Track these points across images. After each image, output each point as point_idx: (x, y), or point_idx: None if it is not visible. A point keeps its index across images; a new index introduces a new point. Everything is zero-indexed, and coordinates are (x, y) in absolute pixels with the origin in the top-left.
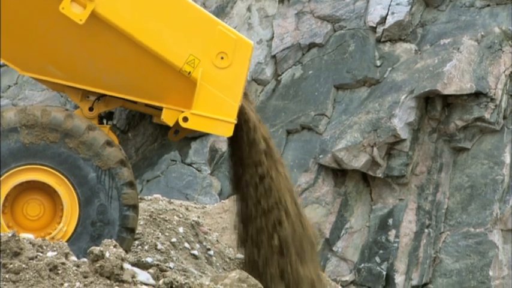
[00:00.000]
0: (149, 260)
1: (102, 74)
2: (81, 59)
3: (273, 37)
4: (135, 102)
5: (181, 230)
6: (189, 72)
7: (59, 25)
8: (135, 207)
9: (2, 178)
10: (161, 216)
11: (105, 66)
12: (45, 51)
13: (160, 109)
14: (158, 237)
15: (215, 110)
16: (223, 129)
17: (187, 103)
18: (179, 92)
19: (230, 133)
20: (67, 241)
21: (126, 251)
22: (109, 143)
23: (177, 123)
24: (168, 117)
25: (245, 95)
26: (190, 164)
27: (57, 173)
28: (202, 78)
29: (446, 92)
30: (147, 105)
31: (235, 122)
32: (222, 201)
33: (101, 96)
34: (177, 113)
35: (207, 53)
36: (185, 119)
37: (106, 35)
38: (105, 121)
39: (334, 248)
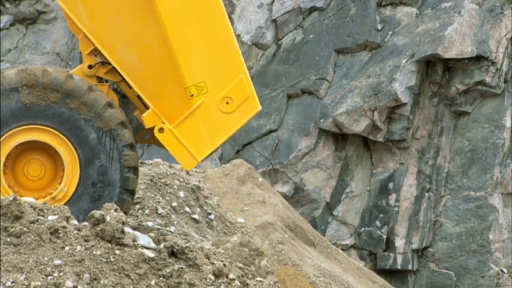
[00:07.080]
0: (150, 224)
1: (120, 46)
2: (112, 21)
3: (273, 1)
4: (130, 87)
5: (182, 194)
6: (192, 95)
7: None
8: (135, 169)
9: (3, 138)
10: (162, 180)
11: (128, 41)
12: None
13: (146, 107)
14: (159, 202)
15: (190, 141)
16: (186, 161)
17: (172, 118)
18: (172, 105)
19: (190, 168)
20: (67, 201)
21: (126, 213)
22: (110, 105)
23: (151, 129)
24: (148, 119)
25: None
26: None
27: (58, 133)
28: (198, 107)
29: (447, 55)
30: (138, 96)
31: (200, 162)
32: (223, 165)
33: (106, 63)
34: (158, 120)
35: (217, 90)
36: (161, 130)
37: (146, 16)
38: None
39: (334, 212)
